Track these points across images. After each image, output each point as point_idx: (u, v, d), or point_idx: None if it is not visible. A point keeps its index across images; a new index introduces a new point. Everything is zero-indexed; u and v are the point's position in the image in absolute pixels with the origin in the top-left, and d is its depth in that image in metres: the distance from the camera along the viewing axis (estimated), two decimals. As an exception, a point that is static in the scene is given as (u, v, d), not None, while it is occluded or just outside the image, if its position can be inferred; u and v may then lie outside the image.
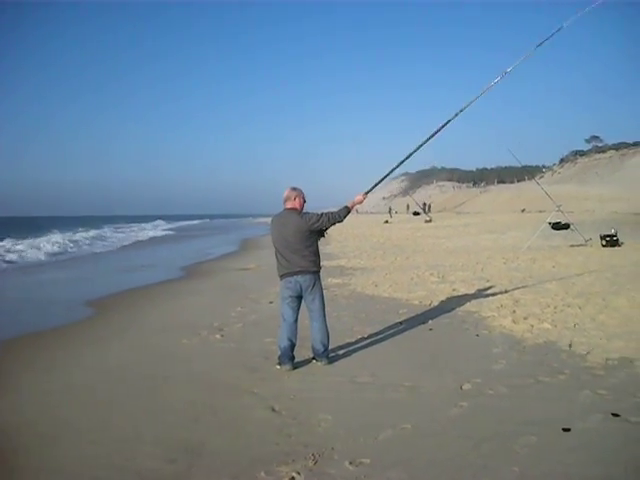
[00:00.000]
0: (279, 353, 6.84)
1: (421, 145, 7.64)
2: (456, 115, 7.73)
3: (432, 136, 7.66)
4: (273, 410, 5.50)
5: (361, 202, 7.16)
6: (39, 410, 5.79)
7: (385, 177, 7.54)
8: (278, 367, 6.79)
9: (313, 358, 7.02)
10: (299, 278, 6.74)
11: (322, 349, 6.91)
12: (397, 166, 7.61)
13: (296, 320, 6.88)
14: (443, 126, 7.68)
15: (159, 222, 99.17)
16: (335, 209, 6.95)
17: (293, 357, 6.84)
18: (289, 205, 6.89)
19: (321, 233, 7.00)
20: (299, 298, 6.86)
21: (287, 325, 6.82)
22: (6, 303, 13.25)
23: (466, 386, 5.90)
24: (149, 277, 17.22)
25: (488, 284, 12.35)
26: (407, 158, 7.60)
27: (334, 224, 6.88)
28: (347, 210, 6.90)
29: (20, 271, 21.10)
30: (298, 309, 6.90)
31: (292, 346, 6.83)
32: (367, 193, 7.21)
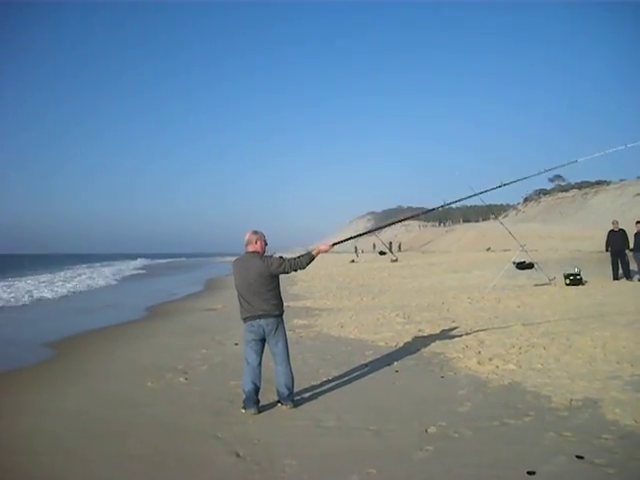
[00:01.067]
0: (244, 397, 6.77)
1: (397, 221, 7.89)
2: (441, 206, 8.00)
3: (410, 217, 7.99)
4: (237, 455, 5.42)
5: (326, 251, 7.32)
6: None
7: (354, 237, 7.75)
8: (243, 411, 6.71)
9: (278, 401, 6.95)
10: (262, 322, 6.73)
11: (287, 392, 6.86)
12: (366, 233, 7.81)
13: (260, 363, 6.85)
14: (424, 212, 7.96)
15: (140, 260, 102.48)
16: (299, 253, 7.02)
17: (258, 401, 6.77)
18: (251, 248, 6.90)
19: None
20: (262, 341, 6.84)
21: (251, 369, 6.78)
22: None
23: (431, 429, 5.88)
24: (113, 318, 16.95)
25: (454, 324, 12.39)
26: (380, 229, 7.87)
27: (296, 270, 6.93)
28: (310, 258, 6.95)
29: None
30: (262, 352, 6.87)
31: (257, 389, 6.76)
32: (334, 245, 7.45)
